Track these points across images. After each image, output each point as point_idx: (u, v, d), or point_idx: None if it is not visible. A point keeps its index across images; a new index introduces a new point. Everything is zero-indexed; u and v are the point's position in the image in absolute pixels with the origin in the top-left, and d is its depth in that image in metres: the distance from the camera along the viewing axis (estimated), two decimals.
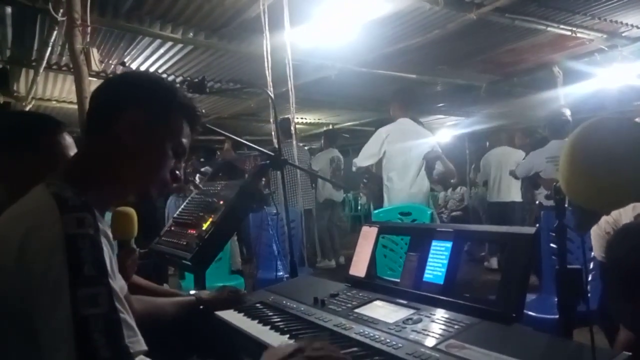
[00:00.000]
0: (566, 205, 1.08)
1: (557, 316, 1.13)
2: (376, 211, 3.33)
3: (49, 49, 3.73)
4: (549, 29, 3.98)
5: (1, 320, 0.72)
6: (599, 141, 0.90)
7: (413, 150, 3.33)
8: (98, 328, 0.67)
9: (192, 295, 1.41)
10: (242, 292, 1.50)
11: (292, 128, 3.75)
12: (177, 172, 0.95)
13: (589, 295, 1.25)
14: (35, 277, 0.69)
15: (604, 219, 1.60)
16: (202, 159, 5.87)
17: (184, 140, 0.94)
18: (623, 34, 4.36)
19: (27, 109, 5.28)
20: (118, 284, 0.78)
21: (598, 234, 1.65)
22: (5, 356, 0.73)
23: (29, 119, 1.24)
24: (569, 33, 4.09)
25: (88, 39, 2.81)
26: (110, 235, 0.82)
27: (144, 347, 0.73)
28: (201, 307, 1.39)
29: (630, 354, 0.82)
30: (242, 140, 2.14)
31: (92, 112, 0.91)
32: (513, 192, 4.94)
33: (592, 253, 1.75)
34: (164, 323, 1.24)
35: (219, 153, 5.58)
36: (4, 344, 0.73)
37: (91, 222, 0.74)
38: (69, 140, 1.16)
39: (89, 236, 0.72)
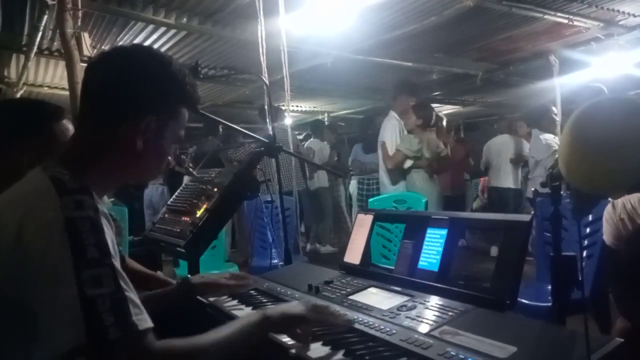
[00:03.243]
0: (562, 192, 1.08)
1: (550, 304, 1.13)
2: (371, 199, 3.34)
3: (40, 33, 3.66)
4: (545, 16, 3.95)
5: (1, 305, 0.71)
6: (598, 122, 0.89)
7: None
8: (106, 308, 0.68)
9: (182, 281, 1.35)
10: (246, 276, 1.44)
11: (287, 115, 3.73)
12: (169, 158, 0.97)
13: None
14: (32, 259, 0.69)
15: (619, 204, 1.59)
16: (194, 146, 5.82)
17: (184, 129, 0.95)
18: (620, 23, 4.35)
19: (18, 95, 5.21)
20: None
21: (612, 218, 1.63)
22: (2, 343, 0.72)
23: (28, 105, 1.23)
24: (565, 21, 4.07)
25: (79, 24, 2.76)
26: (109, 216, 0.82)
27: (151, 324, 0.73)
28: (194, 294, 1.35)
29: (622, 340, 0.82)
30: (237, 127, 2.11)
31: (94, 102, 0.87)
32: (510, 179, 5.12)
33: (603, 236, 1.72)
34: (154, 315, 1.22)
35: (194, 147, 5.47)
36: (2, 331, 0.72)
37: (90, 204, 0.74)
38: (69, 126, 1.17)
39: (89, 218, 0.73)
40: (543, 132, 4.31)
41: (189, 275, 1.37)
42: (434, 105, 8.23)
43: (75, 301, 0.67)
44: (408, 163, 3.70)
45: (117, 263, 0.73)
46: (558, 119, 4.38)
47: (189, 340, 0.80)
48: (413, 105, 3.78)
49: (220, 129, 5.13)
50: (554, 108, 4.31)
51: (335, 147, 6.09)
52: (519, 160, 5.06)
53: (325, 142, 5.92)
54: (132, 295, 0.73)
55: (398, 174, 3.77)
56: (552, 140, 4.22)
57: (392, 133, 3.81)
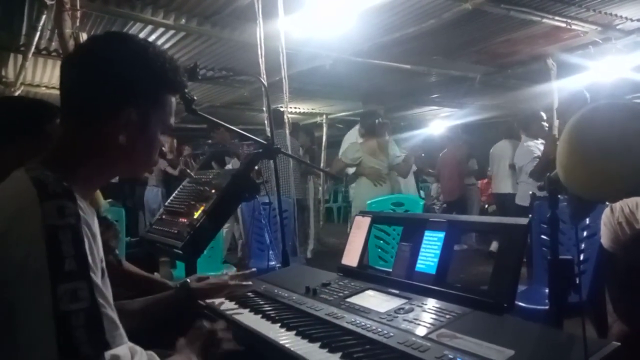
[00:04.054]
0: (559, 196, 1.08)
1: (547, 307, 1.13)
2: (369, 201, 3.34)
3: (38, 33, 3.65)
4: (544, 20, 3.97)
5: None
6: (596, 127, 0.90)
7: None
8: (79, 324, 0.66)
9: (181, 285, 1.32)
10: (246, 276, 1.41)
11: (285, 118, 3.73)
12: (163, 148, 0.94)
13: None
14: (15, 267, 0.67)
15: (617, 208, 1.59)
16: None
17: (172, 117, 0.92)
18: (617, 27, 4.37)
19: (16, 95, 5.20)
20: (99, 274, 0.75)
21: (610, 222, 1.62)
22: None
23: (26, 105, 1.22)
24: (563, 25, 4.08)
25: (78, 24, 2.75)
26: (95, 221, 0.79)
27: (126, 341, 0.73)
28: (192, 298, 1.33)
29: (619, 344, 0.82)
30: (235, 129, 2.11)
31: (73, 94, 0.85)
32: (509, 185, 5.09)
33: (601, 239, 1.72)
34: (154, 320, 1.21)
35: (213, 136, 5.52)
36: None
37: (72, 210, 0.72)
38: None
39: (70, 226, 0.70)
40: (530, 138, 4.34)
41: (188, 280, 1.34)
42: (431, 107, 8.29)
43: (50, 316, 0.65)
44: (351, 170, 3.98)
45: (95, 276, 0.71)
46: (549, 124, 4.38)
47: None
48: (361, 114, 3.99)
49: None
50: (543, 114, 4.33)
51: (309, 151, 6.06)
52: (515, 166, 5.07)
53: (299, 144, 5.90)
54: (109, 310, 0.71)
55: (351, 178, 4.09)
56: (535, 146, 4.26)
57: (346, 141, 4.19)
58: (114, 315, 0.72)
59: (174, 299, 1.27)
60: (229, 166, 4.87)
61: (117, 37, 0.90)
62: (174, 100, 0.92)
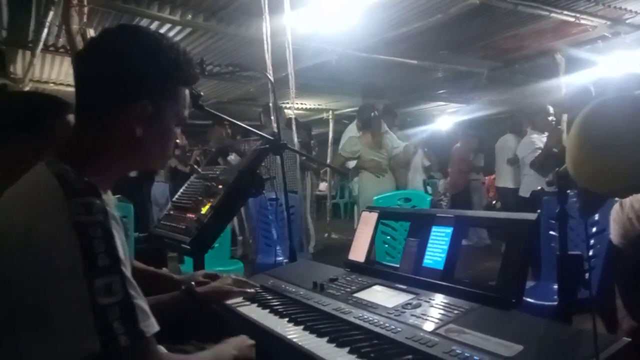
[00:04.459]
0: (569, 191, 1.07)
1: (555, 303, 1.13)
2: (376, 197, 3.34)
3: (46, 30, 3.66)
4: (552, 14, 3.93)
5: (9, 303, 0.71)
6: (606, 121, 0.89)
7: None
8: (116, 316, 0.69)
9: (186, 289, 1.29)
10: (249, 282, 1.38)
11: (292, 113, 3.73)
12: (178, 141, 0.94)
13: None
14: (44, 264, 0.69)
15: (627, 203, 1.58)
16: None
17: (186, 109, 0.92)
18: (627, 21, 4.31)
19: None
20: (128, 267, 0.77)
21: (620, 217, 1.61)
22: (14, 344, 0.72)
23: (35, 99, 1.22)
24: (572, 19, 4.04)
25: (85, 20, 2.77)
26: (118, 215, 0.80)
27: (157, 328, 0.75)
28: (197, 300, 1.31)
29: (629, 339, 0.82)
30: (241, 124, 2.12)
31: (89, 89, 0.85)
32: (508, 179, 5.13)
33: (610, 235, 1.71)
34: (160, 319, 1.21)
35: (209, 134, 5.57)
36: (10, 330, 0.71)
37: (99, 207, 0.73)
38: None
39: (99, 223, 0.72)
40: (535, 132, 4.35)
41: (193, 282, 1.34)
42: (438, 103, 8.24)
43: (88, 310, 0.67)
44: (352, 164, 4.03)
45: (126, 269, 0.73)
46: (557, 118, 4.37)
47: (181, 356, 0.91)
48: (358, 109, 4.04)
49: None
50: (550, 108, 4.32)
51: (305, 146, 6.05)
52: (515, 160, 5.06)
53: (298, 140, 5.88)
54: (140, 301, 0.73)
55: (353, 172, 4.13)
56: (538, 139, 4.28)
57: (346, 136, 4.21)
58: (144, 304, 0.74)
59: (179, 301, 1.27)
60: (231, 157, 4.89)
61: (127, 29, 0.89)
62: (187, 92, 0.92)
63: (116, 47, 0.84)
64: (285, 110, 4.53)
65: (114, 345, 0.68)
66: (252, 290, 1.34)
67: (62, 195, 0.72)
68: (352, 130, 4.30)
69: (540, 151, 4.17)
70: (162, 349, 0.84)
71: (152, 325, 0.74)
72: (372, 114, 4.05)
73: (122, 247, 0.75)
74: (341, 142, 4.26)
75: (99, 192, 0.75)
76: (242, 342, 1.05)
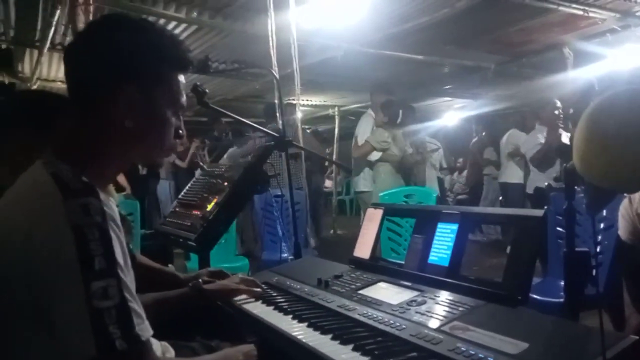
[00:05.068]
0: (576, 187, 1.06)
1: (562, 300, 1.12)
2: (382, 193, 3.33)
3: (53, 29, 3.69)
4: (560, 8, 3.87)
5: (10, 304, 0.71)
6: (615, 114, 0.87)
7: None
8: (112, 320, 0.68)
9: (193, 285, 1.30)
10: (256, 282, 1.36)
11: (297, 110, 3.74)
12: (180, 130, 0.90)
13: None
14: (43, 266, 0.69)
15: (636, 199, 1.56)
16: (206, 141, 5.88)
17: (183, 96, 0.89)
18: (637, 14, 4.24)
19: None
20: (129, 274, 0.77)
21: (628, 213, 1.59)
22: (15, 344, 0.72)
23: (42, 97, 1.23)
24: (580, 12, 3.98)
25: (91, 18, 2.78)
26: (117, 214, 0.79)
27: (151, 332, 0.75)
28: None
29: (637, 337, 0.81)
30: (247, 122, 2.12)
31: (77, 82, 0.84)
32: (508, 173, 5.16)
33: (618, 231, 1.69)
34: (166, 315, 1.21)
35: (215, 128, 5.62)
36: (12, 330, 0.72)
37: (97, 208, 0.72)
38: None
39: (97, 225, 0.71)
40: (543, 127, 4.30)
41: (200, 280, 1.34)
42: (444, 98, 8.19)
43: (85, 313, 0.67)
44: (376, 155, 3.95)
45: (122, 272, 0.72)
46: (564, 113, 4.32)
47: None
48: (381, 103, 4.06)
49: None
50: (557, 102, 4.25)
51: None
52: (514, 154, 5.02)
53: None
54: (135, 305, 0.73)
55: (361, 165, 4.06)
56: (542, 134, 4.21)
57: (365, 127, 4.13)
58: (139, 308, 0.74)
59: (186, 298, 1.27)
60: (232, 149, 4.90)
61: (110, 18, 0.88)
62: (181, 78, 0.89)
63: (96, 35, 0.83)
64: (302, 109, 4.50)
65: (110, 349, 0.67)
66: (259, 289, 1.33)
67: (59, 197, 0.71)
68: (369, 121, 4.20)
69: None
70: (166, 346, 0.84)
71: (147, 329, 0.74)
72: (400, 110, 4.10)
73: (121, 249, 0.74)
74: (361, 132, 4.13)
75: (96, 192, 0.74)
76: (250, 350, 1.03)
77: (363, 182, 4.13)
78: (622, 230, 1.62)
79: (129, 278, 0.75)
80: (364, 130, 4.11)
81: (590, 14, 4.04)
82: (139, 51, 0.82)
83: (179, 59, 0.87)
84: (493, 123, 6.96)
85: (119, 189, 4.91)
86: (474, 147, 6.28)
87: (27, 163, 0.82)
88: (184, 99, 0.89)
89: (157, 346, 0.80)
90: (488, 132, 6.39)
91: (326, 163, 5.92)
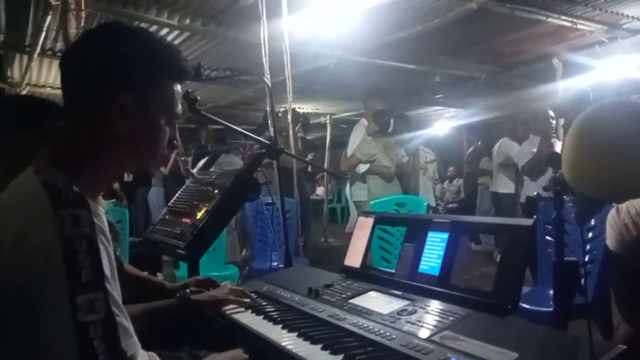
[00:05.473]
0: (565, 197, 1.07)
1: (551, 309, 1.12)
2: (372, 202, 3.33)
3: (43, 34, 3.66)
4: (549, 19, 3.94)
5: (3, 310, 0.70)
6: (603, 126, 0.89)
7: None
8: (97, 335, 0.67)
9: (181, 296, 1.29)
10: (245, 293, 1.35)
11: (289, 118, 3.73)
12: (175, 140, 0.89)
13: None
14: (32, 277, 0.68)
15: (623, 209, 1.57)
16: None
17: (177, 105, 0.89)
18: (624, 26, 4.33)
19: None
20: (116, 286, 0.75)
21: (616, 223, 1.61)
22: (9, 351, 0.71)
23: (32, 102, 1.22)
24: (569, 24, 4.05)
25: (82, 24, 2.76)
26: (106, 226, 0.78)
27: (138, 347, 0.74)
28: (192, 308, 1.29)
29: (625, 347, 0.81)
30: (239, 129, 2.11)
31: (72, 88, 0.83)
32: (498, 183, 5.22)
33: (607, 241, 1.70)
34: (154, 325, 1.20)
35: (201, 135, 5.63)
36: (6, 342, 0.71)
37: (86, 219, 0.71)
38: None
39: (85, 236, 0.70)
40: (535, 136, 4.35)
41: (188, 290, 1.33)
42: (435, 107, 8.26)
43: (70, 327, 0.66)
44: (363, 168, 3.91)
45: (110, 285, 0.71)
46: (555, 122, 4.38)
47: None
48: (373, 113, 4.01)
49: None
50: (551, 112, 4.32)
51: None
52: (506, 164, 5.06)
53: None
54: (123, 319, 0.72)
55: (355, 176, 4.01)
56: (535, 144, 4.26)
57: (355, 138, 4.09)
58: (127, 323, 0.73)
59: (174, 308, 1.26)
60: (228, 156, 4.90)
61: (105, 26, 0.88)
62: (177, 87, 0.88)
63: (96, 43, 0.83)
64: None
65: None
66: (248, 300, 1.32)
67: (50, 206, 0.71)
68: (360, 131, 4.17)
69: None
70: (153, 356, 0.83)
71: (134, 345, 0.73)
72: (391, 119, 4.08)
73: (109, 261, 0.73)
74: (352, 143, 4.12)
75: (87, 203, 0.74)
76: (237, 355, 1.03)
77: (359, 192, 4.09)
78: (610, 239, 1.64)
79: (116, 291, 0.74)
80: (354, 142, 4.10)
81: (579, 26, 4.11)
82: (136, 59, 0.82)
83: (175, 68, 0.87)
84: (488, 132, 7.02)
85: (116, 197, 4.88)
86: (470, 156, 6.32)
87: (20, 167, 0.81)
88: (179, 108, 0.89)
89: (145, 357, 0.78)
90: (484, 142, 6.42)
91: (309, 169, 5.86)
